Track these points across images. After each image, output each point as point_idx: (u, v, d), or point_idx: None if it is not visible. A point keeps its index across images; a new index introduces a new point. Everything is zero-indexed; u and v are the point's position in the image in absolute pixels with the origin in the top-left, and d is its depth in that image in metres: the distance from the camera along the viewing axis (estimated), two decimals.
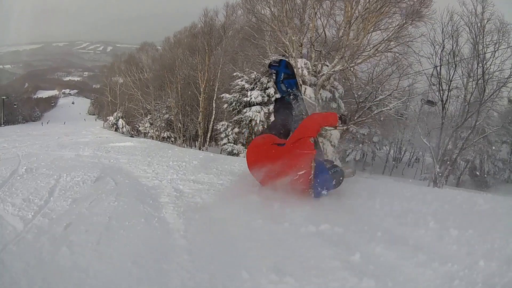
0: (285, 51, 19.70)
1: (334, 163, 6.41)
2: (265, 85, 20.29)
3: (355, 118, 22.35)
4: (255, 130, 19.42)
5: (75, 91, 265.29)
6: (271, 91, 19.92)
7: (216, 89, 33.60)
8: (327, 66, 19.75)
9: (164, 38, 54.25)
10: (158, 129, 44.09)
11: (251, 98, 20.23)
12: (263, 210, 5.04)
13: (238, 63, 29.56)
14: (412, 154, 60.50)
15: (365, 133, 40.36)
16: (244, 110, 20.16)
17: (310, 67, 19.69)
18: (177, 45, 43.79)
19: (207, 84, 34.89)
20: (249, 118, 19.65)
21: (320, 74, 19.44)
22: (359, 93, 23.21)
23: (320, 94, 19.61)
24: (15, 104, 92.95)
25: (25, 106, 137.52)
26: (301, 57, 19.81)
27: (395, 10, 19.35)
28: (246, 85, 20.72)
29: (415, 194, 5.97)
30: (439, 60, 25.21)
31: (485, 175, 41.48)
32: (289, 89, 7.31)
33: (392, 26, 19.74)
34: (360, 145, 45.27)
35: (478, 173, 41.71)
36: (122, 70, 55.78)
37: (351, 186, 6.33)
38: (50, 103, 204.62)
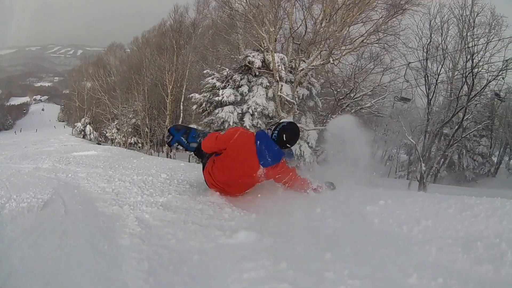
0: (260, 45, 17.77)
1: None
2: (238, 83, 18.23)
3: (333, 116, 20.68)
4: None
5: (46, 97, 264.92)
6: (245, 89, 17.89)
7: (184, 90, 31.81)
8: (304, 61, 17.92)
9: (133, 38, 52.44)
10: (125, 134, 42.64)
11: (223, 97, 17.79)
12: (281, 252, 3.47)
13: (209, 61, 27.96)
14: (384, 152, 60.44)
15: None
16: (216, 111, 17.91)
17: (286, 63, 17.84)
18: (145, 45, 42.20)
19: (174, 85, 32.97)
20: (222, 119, 17.54)
21: (299, 69, 17.59)
22: (338, 90, 21.58)
23: (297, 91, 17.83)
24: None
25: None
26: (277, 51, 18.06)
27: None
28: (218, 83, 18.63)
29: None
30: (424, 54, 23.82)
31: (465, 170, 41.31)
32: (196, 140, 6.67)
33: (376, 17, 17.96)
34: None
35: (456, 168, 41.43)
36: (89, 73, 53.97)
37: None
38: (22, 110, 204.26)
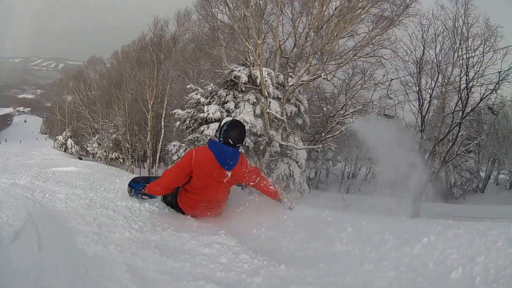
0: (246, 59, 16.80)
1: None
2: (223, 99, 17.12)
3: (323, 135, 19.77)
4: None
5: (29, 109, 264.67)
6: (231, 105, 16.76)
7: (165, 106, 30.80)
8: (292, 77, 16.99)
9: (113, 52, 51.51)
10: (106, 149, 41.65)
11: (208, 114, 16.63)
12: None
13: (190, 76, 27.01)
14: (368, 170, 60.53)
15: (318, 150, 38.04)
16: (201, 128, 16.76)
17: (274, 78, 16.68)
18: (125, 59, 40.94)
19: (155, 101, 32.14)
20: (208, 137, 16.48)
21: (289, 85, 16.66)
22: (327, 107, 20.54)
23: (285, 108, 16.92)
24: None
25: None
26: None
27: (372, 10, 16.78)
28: (202, 99, 17.50)
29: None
30: (416, 68, 22.96)
31: (452, 187, 41.06)
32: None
33: (365, 30, 17.14)
34: (314, 162, 42.71)
35: (444, 185, 41.15)
36: (70, 87, 53.28)
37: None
38: (6, 121, 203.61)
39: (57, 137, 58.27)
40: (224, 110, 16.52)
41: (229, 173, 5.36)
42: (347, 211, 6.44)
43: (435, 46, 23.06)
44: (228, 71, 16.79)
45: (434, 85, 23.35)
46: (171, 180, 5.47)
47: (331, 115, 20.14)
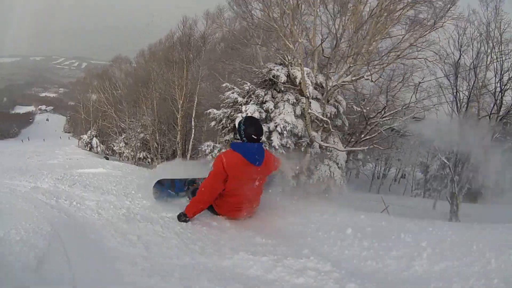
0: (284, 58, 16.27)
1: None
2: (261, 98, 16.48)
3: (362, 136, 19.24)
4: None
5: (51, 107, 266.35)
6: (270, 105, 16.06)
7: (195, 105, 30.31)
8: (330, 78, 16.43)
9: (138, 52, 51.16)
10: (134, 149, 40.98)
11: (246, 114, 16.25)
12: None
13: (222, 75, 26.51)
14: (398, 170, 60.37)
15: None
16: None
17: (313, 78, 16.12)
18: (152, 58, 40.62)
19: (185, 100, 31.58)
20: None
21: (332, 85, 16.12)
22: (367, 108, 20.07)
23: (325, 109, 16.41)
24: None
25: (2, 121, 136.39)
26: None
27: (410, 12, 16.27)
28: (240, 99, 16.91)
29: None
30: (454, 69, 23.02)
31: (480, 187, 40.44)
32: (183, 188, 7.66)
33: (400, 32, 16.63)
34: (345, 163, 42.65)
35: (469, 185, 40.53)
36: (95, 85, 53.40)
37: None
38: (28, 119, 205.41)
39: (81, 136, 57.90)
40: (263, 110, 15.86)
41: (259, 169, 5.80)
42: (431, 221, 6.26)
43: (472, 50, 22.90)
44: (266, 70, 16.23)
45: (472, 87, 23.08)
46: (212, 191, 5.73)
47: (371, 116, 19.45)
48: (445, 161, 24.56)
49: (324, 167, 16.56)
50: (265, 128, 15.24)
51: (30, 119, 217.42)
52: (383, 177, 59.50)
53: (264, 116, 15.59)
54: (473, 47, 22.73)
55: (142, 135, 40.22)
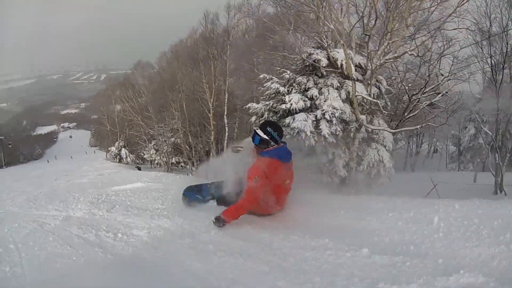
0: (321, 39, 15.46)
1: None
2: (303, 86, 15.62)
3: (405, 114, 18.41)
4: (306, 144, 14.84)
5: (74, 124, 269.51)
6: (314, 92, 15.06)
7: (225, 102, 29.81)
8: (373, 57, 15.61)
9: (160, 54, 50.86)
10: (166, 155, 40.53)
11: (291, 104, 15.38)
12: None
13: (252, 66, 25.80)
14: (430, 145, 59.65)
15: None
16: (287, 121, 15.26)
17: (354, 59, 15.14)
18: (175, 59, 39.88)
19: (216, 98, 30.75)
20: (297, 130, 14.98)
21: (378, 64, 15.28)
22: (409, 85, 19.50)
23: (370, 90, 15.64)
24: (9, 144, 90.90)
25: (25, 144, 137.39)
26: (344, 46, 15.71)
27: None
28: (281, 89, 16.02)
29: None
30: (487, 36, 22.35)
31: None
32: (205, 196, 7.69)
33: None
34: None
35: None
36: (117, 95, 53.15)
37: None
38: (53, 138, 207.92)
39: (109, 148, 57.39)
40: (306, 98, 14.99)
41: (289, 165, 6.24)
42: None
43: (502, 17, 22.61)
44: (305, 55, 15.41)
45: (506, 53, 22.41)
46: (259, 197, 5.85)
47: (414, 93, 18.63)
48: (487, 131, 24.01)
49: (372, 152, 15.86)
50: (311, 117, 14.46)
51: (54, 138, 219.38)
52: (416, 154, 59.04)
53: (308, 105, 14.79)
54: (502, 15, 22.27)
55: (172, 139, 39.92)
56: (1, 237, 7.01)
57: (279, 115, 15.30)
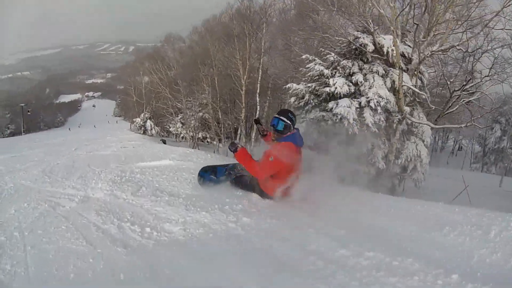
0: (367, 23, 15.01)
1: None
2: (348, 70, 15.17)
3: (445, 111, 17.95)
4: (349, 132, 14.40)
5: (99, 93, 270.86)
6: (359, 77, 14.39)
7: (258, 80, 29.25)
8: (420, 47, 15.12)
9: (192, 28, 50.66)
10: (192, 129, 40.02)
11: (335, 88, 14.26)
12: None
13: (288, 46, 25.43)
14: (455, 142, 59.21)
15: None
16: (329, 105, 14.71)
17: (400, 47, 14.77)
18: (208, 34, 39.26)
19: (248, 76, 30.05)
20: (340, 116, 14.46)
21: (426, 54, 14.81)
22: (450, 80, 19.00)
23: (416, 82, 15.33)
24: (28, 111, 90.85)
25: (46, 112, 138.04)
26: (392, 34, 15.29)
27: None
28: (326, 71, 15.48)
29: None
30: None
31: None
32: (223, 173, 7.85)
33: None
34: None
35: None
36: (146, 67, 52.00)
37: None
38: (75, 107, 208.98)
39: (134, 119, 56.75)
40: (351, 84, 14.55)
41: (301, 149, 6.65)
42: None
43: None
44: (352, 38, 14.99)
45: None
46: (272, 172, 6.39)
47: (456, 89, 18.10)
48: None
49: (411, 145, 15.63)
50: (355, 103, 14.08)
51: (79, 106, 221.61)
52: (441, 149, 59.33)
53: (352, 90, 14.38)
54: None
55: (200, 114, 39.60)
56: (7, 219, 6.31)
57: (321, 98, 14.89)
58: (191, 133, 40.02)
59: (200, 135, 40.90)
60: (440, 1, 14.72)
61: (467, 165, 50.82)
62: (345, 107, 13.58)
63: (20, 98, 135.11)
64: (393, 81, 14.41)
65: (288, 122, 6.53)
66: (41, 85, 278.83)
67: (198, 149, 29.23)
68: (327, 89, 14.22)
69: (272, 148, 6.57)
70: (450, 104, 18.10)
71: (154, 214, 5.97)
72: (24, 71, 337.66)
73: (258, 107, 29.91)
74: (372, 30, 14.76)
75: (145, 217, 5.83)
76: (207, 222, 5.47)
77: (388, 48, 14.58)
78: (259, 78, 29.12)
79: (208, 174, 7.80)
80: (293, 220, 5.58)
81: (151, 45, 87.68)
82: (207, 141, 41.15)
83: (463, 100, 17.47)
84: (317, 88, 14.83)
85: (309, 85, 15.09)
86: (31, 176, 10.89)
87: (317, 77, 14.98)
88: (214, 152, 27.84)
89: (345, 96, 14.09)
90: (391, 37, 14.56)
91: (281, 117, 6.59)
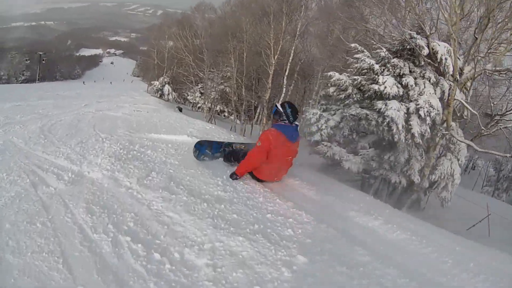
0: (423, 25, 13.78)
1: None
2: (399, 70, 13.93)
3: (481, 132, 17.07)
4: (395, 140, 13.26)
5: (121, 51, 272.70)
6: (410, 81, 12.75)
7: (289, 63, 28.17)
8: (472, 62, 13.97)
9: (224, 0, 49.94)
10: (212, 101, 39.06)
11: (385, 88, 13.00)
12: None
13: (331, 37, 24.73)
14: (470, 160, 58.43)
15: None
16: (378, 105, 12.88)
17: (453, 57, 13.19)
18: (244, 6, 39.54)
19: (279, 56, 28.68)
20: (388, 118, 12.52)
21: (478, 69, 13.71)
22: (494, 103, 17.80)
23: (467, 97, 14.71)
24: (43, 60, 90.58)
25: (65, 63, 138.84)
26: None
27: None
28: (376, 66, 13.59)
29: None
30: None
31: None
32: (219, 150, 8.29)
33: None
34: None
35: None
36: (172, 32, 51.15)
37: None
38: (95, 61, 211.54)
39: (152, 82, 55.80)
40: (400, 86, 13.41)
41: (293, 146, 7.04)
42: None
43: None
44: (408, 36, 13.82)
45: None
46: (258, 160, 6.72)
47: (499, 113, 17.04)
48: None
49: (447, 163, 14.55)
50: (403, 109, 13.02)
51: (100, 61, 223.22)
52: None
53: (401, 93, 13.27)
54: None
55: (222, 86, 38.76)
56: None
57: (366, 95, 13.81)
58: (209, 105, 39.08)
59: (217, 108, 40.05)
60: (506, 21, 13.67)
61: (478, 187, 49.98)
62: (395, 111, 12.50)
63: (40, 47, 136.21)
64: (443, 92, 13.52)
65: (280, 109, 7.01)
66: (64, 36, 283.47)
67: (215, 122, 28.45)
68: (376, 86, 13.08)
69: (261, 135, 7.31)
70: (489, 127, 17.18)
71: (167, 224, 4.54)
72: (48, 20, 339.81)
73: (284, 89, 29.05)
74: (428, 33, 13.73)
75: (154, 227, 4.43)
76: (247, 257, 3.93)
77: (442, 55, 13.32)
78: (290, 59, 28.18)
79: (204, 148, 8.01)
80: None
81: (180, 12, 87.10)
82: (224, 115, 40.40)
83: (501, 126, 16.46)
84: (363, 82, 13.71)
85: (355, 77, 13.96)
86: (26, 132, 10.02)
87: (366, 70, 13.84)
88: (231, 129, 27.01)
89: (394, 97, 12.99)
90: (446, 44, 13.56)
91: (277, 104, 7.16)
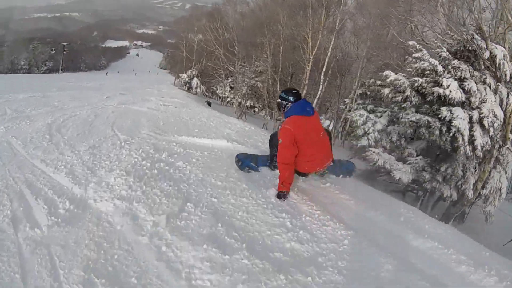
0: (480, 26, 12.81)
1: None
2: (459, 73, 12.35)
3: None
4: (460, 152, 12.09)
5: (148, 43, 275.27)
6: (472, 85, 12.08)
7: (327, 59, 27.23)
8: None
9: None
10: (242, 96, 37.88)
11: (450, 92, 11.90)
12: None
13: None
14: None
15: None
16: (443, 113, 11.91)
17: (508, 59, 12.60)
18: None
19: (317, 52, 27.65)
20: (455, 128, 11.69)
21: None
22: None
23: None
24: (64, 51, 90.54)
25: (90, 54, 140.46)
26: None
27: None
28: (440, 68, 12.56)
29: None
30: None
31: None
32: (266, 164, 7.56)
33: None
34: None
35: None
36: (202, 25, 51.23)
37: None
38: (122, 53, 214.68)
39: (180, 74, 54.64)
40: (462, 90, 12.20)
41: (314, 118, 6.28)
42: None
43: None
44: (469, 36, 12.61)
45: None
46: (289, 157, 5.95)
47: None
48: None
49: (497, 175, 13.71)
50: (466, 116, 11.88)
51: (128, 53, 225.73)
52: None
53: (463, 99, 12.12)
54: None
55: (253, 81, 37.69)
56: None
57: (428, 99, 12.63)
58: (240, 100, 38.03)
59: (248, 103, 39.07)
60: None
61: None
62: (462, 120, 11.38)
63: (65, 38, 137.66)
64: (501, 100, 12.54)
65: (279, 100, 6.57)
66: (89, 27, 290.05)
67: (245, 118, 27.58)
68: (441, 90, 11.90)
69: (279, 132, 6.43)
70: None
71: None
72: (72, 12, 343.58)
73: (321, 86, 28.00)
74: (486, 35, 12.77)
75: None
76: None
77: (500, 60, 12.37)
78: (328, 55, 27.25)
79: (248, 161, 7.36)
80: None
81: (210, 5, 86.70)
82: (254, 111, 39.53)
83: None
84: (424, 85, 12.54)
85: (415, 79, 12.81)
86: (30, 131, 9.00)
87: (428, 72, 12.66)
88: (263, 126, 26.05)
89: (458, 104, 11.85)
90: (503, 48, 12.59)
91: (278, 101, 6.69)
